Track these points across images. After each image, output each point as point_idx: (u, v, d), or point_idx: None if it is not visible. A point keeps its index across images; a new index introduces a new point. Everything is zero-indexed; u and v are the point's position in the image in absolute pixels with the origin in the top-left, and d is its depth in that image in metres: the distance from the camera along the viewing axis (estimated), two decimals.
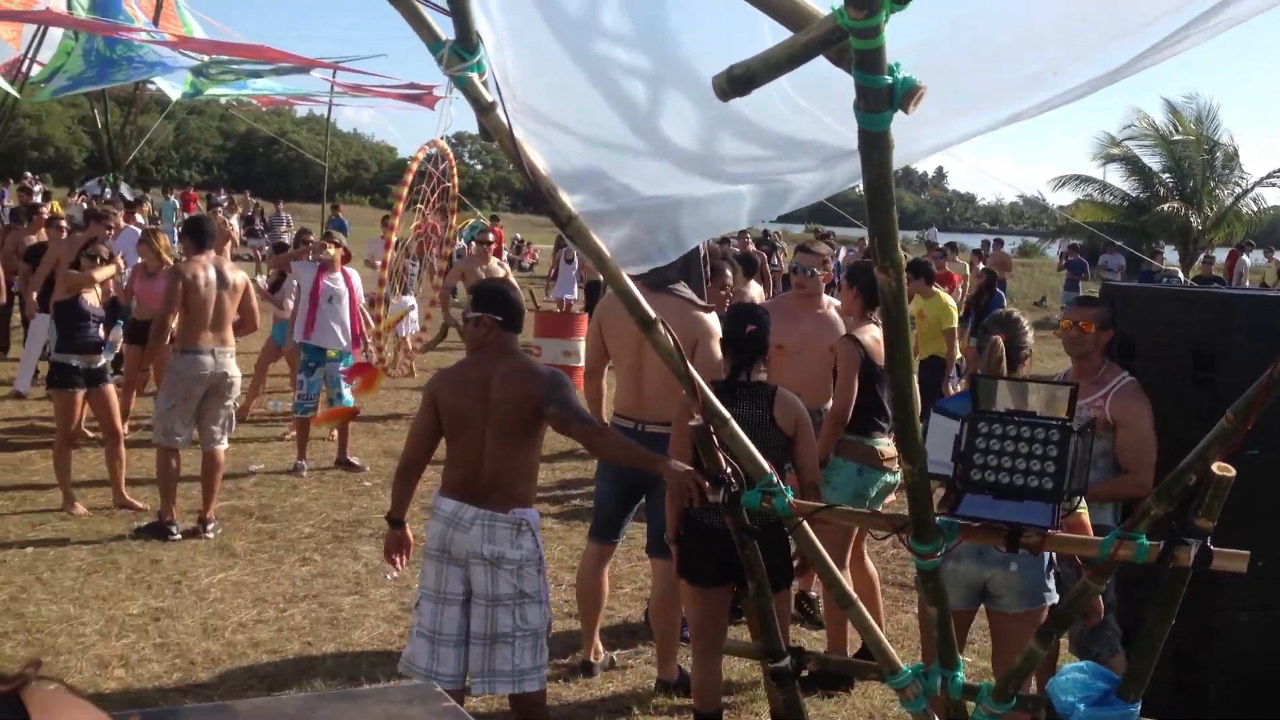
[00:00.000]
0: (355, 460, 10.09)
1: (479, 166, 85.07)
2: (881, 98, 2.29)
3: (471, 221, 27.99)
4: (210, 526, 7.89)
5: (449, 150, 8.70)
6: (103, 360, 8.53)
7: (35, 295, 11.02)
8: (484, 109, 3.22)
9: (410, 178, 8.13)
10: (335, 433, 10.41)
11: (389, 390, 13.36)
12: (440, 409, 4.67)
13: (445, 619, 4.57)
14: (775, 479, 3.47)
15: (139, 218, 16.50)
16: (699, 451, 3.64)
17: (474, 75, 3.15)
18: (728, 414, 3.50)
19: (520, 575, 4.53)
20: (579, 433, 4.59)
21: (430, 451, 4.82)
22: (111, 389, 8.57)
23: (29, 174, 32.82)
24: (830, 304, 6.73)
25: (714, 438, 3.53)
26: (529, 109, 3.27)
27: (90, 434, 9.72)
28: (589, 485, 9.76)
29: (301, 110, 61.05)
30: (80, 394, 8.38)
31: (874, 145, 2.41)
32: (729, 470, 3.53)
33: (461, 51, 3.08)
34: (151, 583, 6.89)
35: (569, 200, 3.39)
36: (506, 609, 4.51)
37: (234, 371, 8.11)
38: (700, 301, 5.91)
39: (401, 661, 4.76)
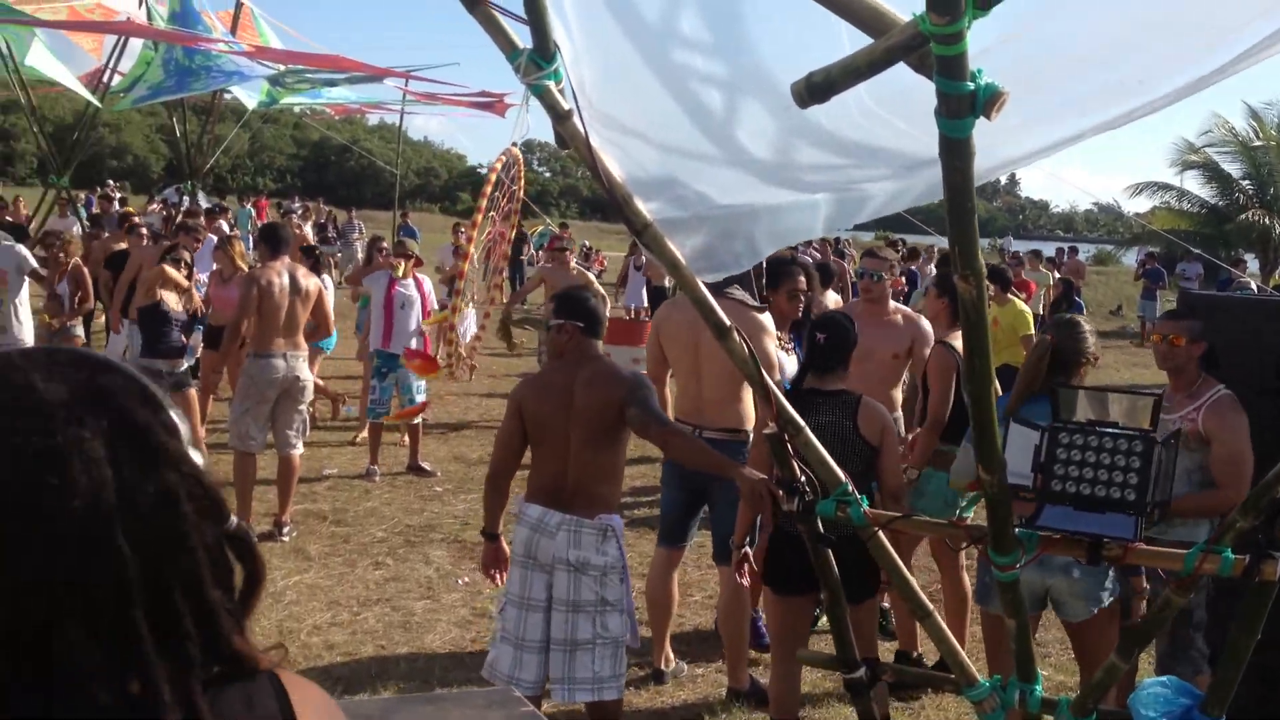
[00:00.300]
0: (426, 465, 10.18)
1: (547, 174, 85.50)
2: (963, 104, 2.27)
3: (540, 228, 28.14)
4: (286, 529, 8.00)
5: (520, 156, 8.74)
6: (185, 365, 8.67)
7: (120, 303, 11.10)
8: (560, 117, 3.23)
9: (489, 189, 8.20)
10: (406, 438, 10.51)
11: (458, 396, 13.47)
12: (525, 416, 4.73)
13: (529, 625, 4.60)
14: (850, 488, 3.44)
15: (224, 225, 16.77)
16: (774, 459, 3.62)
17: (551, 83, 3.16)
18: (802, 422, 3.48)
19: (603, 582, 4.55)
20: (657, 435, 4.62)
21: (517, 459, 4.87)
22: (194, 393, 8.72)
23: (111, 181, 33.48)
24: (897, 310, 6.67)
25: (788, 445, 3.51)
26: (605, 117, 3.27)
27: None
28: (659, 492, 9.78)
29: (373, 119, 61.98)
30: None
31: (955, 152, 2.38)
32: (803, 478, 3.51)
33: (539, 60, 3.09)
34: None
35: (644, 207, 3.39)
36: (587, 615, 4.54)
37: (306, 375, 8.22)
38: (753, 302, 5.90)
39: (485, 666, 4.79)
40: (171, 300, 8.63)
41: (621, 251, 29.81)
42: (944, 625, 3.57)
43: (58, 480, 1.02)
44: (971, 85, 2.22)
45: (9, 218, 16.40)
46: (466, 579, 7.26)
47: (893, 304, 6.70)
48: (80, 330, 11.03)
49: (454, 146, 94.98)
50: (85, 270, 10.81)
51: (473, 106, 20.31)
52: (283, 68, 17.12)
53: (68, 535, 1.02)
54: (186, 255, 9.04)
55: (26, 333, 9.23)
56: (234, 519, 1.17)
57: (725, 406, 5.77)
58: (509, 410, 4.83)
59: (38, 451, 1.03)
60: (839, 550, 3.65)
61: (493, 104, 19.46)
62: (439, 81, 19.01)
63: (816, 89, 2.42)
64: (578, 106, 3.15)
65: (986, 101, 2.24)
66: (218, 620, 1.11)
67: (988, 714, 3.47)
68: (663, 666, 5.95)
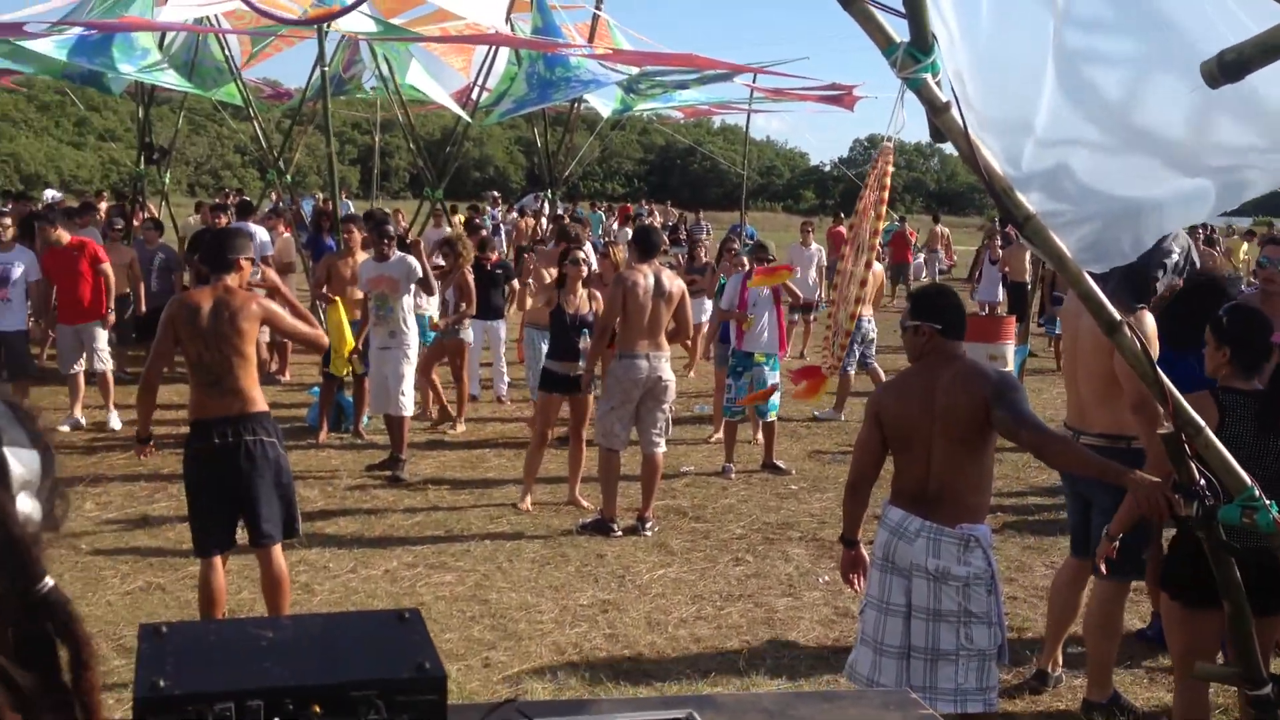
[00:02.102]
0: (781, 464, 10.23)
1: (891, 168, 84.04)
2: None
3: (886, 224, 27.75)
4: (648, 525, 8.23)
5: (891, 153, 8.61)
6: (580, 369, 8.78)
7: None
8: (938, 110, 3.15)
9: (889, 180, 8.14)
10: (760, 437, 10.60)
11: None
12: (884, 422, 4.62)
13: (888, 629, 4.51)
14: (1258, 492, 3.18)
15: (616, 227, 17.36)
16: (1170, 462, 3.40)
17: (928, 76, 3.10)
18: (1202, 421, 3.26)
19: (967, 594, 4.38)
20: (1029, 440, 4.38)
21: (878, 466, 4.77)
22: (589, 397, 8.90)
23: (495, 194, 35.22)
24: None
25: (1186, 447, 3.30)
26: (982, 107, 3.19)
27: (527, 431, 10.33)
28: (1020, 494, 9.47)
29: (716, 121, 62.96)
30: (557, 398, 8.89)
31: None
32: (1202, 482, 3.29)
33: (916, 53, 3.03)
34: (598, 576, 7.27)
35: (1023, 199, 3.28)
36: (950, 626, 4.38)
37: (668, 375, 8.38)
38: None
39: (846, 667, 4.76)
40: (569, 305, 8.94)
41: (970, 245, 29.02)
42: None
43: None
44: None
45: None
46: (827, 578, 7.25)
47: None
48: (468, 335, 11.61)
49: (796, 145, 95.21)
50: (469, 278, 11.40)
51: (822, 100, 20.21)
52: (636, 71, 17.60)
53: None
54: (580, 255, 9.31)
55: (413, 338, 9.88)
56: (47, 581, 1.04)
57: (1101, 409, 5.45)
58: (867, 416, 4.74)
59: None
60: (1245, 559, 3.40)
61: (842, 97, 19.33)
62: (789, 75, 18.81)
63: (1229, 68, 2.27)
64: (955, 98, 3.08)
65: None
66: None
67: None
68: (1049, 669, 5.71)
